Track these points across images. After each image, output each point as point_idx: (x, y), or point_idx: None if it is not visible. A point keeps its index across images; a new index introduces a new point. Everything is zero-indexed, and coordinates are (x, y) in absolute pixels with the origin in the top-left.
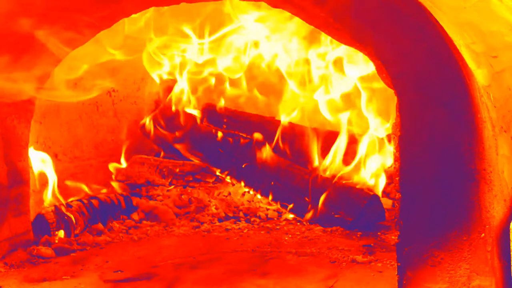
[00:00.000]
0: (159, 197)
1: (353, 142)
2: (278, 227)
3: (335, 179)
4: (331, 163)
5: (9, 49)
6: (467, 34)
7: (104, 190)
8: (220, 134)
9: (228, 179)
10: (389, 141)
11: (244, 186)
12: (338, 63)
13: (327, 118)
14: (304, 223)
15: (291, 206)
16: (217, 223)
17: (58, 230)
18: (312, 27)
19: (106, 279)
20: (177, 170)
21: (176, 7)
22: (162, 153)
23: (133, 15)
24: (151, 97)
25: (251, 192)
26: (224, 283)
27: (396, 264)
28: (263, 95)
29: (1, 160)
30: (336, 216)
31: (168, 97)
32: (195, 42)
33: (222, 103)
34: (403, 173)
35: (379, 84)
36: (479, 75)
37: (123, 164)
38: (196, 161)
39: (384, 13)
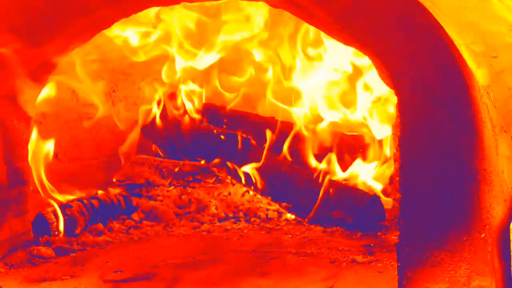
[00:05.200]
0: (159, 197)
1: (353, 142)
2: (278, 227)
3: (335, 179)
4: (331, 163)
5: None
6: (467, 34)
7: (100, 192)
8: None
9: (228, 179)
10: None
11: (244, 186)
12: None
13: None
14: (304, 223)
15: (290, 206)
16: (217, 223)
17: (58, 230)
18: None
19: (106, 279)
20: (177, 169)
21: None
22: (161, 153)
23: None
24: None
25: (251, 192)
26: (224, 283)
27: (396, 264)
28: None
29: (1, 160)
30: (336, 216)
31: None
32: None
33: (222, 103)
34: (403, 173)
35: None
36: (479, 75)
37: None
38: (197, 161)
39: (384, 14)
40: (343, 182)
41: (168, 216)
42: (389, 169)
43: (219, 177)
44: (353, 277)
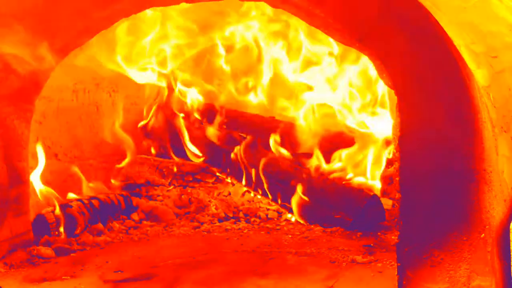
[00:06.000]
0: (159, 197)
1: (353, 142)
2: (278, 227)
3: (335, 179)
4: (331, 163)
5: None
6: (467, 34)
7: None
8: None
9: (228, 179)
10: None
11: (244, 185)
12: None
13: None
14: (304, 223)
15: (290, 206)
16: (217, 223)
17: (58, 230)
18: None
19: (106, 279)
20: (175, 169)
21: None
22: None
23: None
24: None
25: (252, 193)
26: (224, 283)
27: (396, 264)
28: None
29: (1, 160)
30: (336, 216)
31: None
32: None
33: (222, 103)
34: (403, 173)
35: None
36: (479, 75)
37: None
38: (197, 160)
39: (384, 14)
40: (343, 183)
41: (168, 216)
42: (389, 169)
43: (219, 177)
44: (353, 277)
